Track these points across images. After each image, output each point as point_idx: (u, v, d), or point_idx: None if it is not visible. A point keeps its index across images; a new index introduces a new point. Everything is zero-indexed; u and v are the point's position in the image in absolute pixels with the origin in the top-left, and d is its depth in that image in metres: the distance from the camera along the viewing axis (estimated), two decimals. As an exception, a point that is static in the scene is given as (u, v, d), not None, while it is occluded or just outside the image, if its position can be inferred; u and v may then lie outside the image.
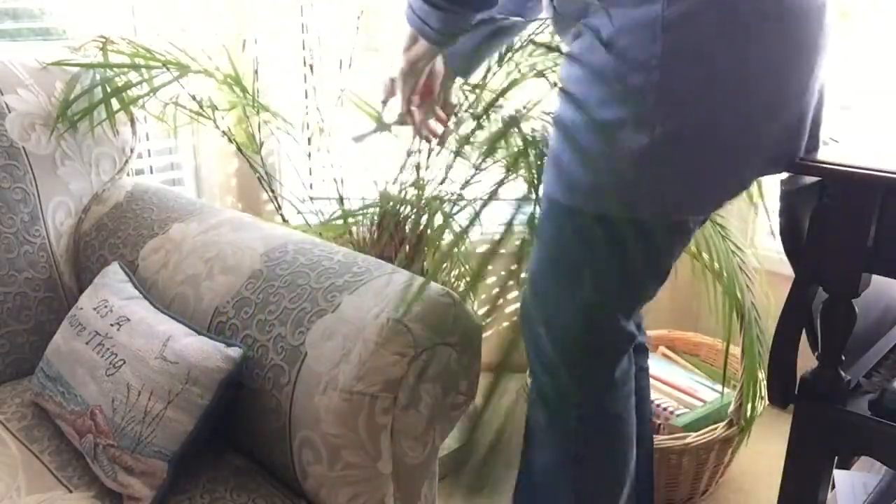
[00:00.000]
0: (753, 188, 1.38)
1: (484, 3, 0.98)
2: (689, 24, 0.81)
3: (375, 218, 1.56)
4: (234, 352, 0.92)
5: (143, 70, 1.37)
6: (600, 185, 0.86)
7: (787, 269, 1.00)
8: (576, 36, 0.90)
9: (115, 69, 1.34)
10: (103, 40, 1.38)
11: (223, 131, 1.62)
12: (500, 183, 0.79)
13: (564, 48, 0.92)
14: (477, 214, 0.76)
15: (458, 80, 1.22)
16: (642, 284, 0.94)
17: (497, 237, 0.76)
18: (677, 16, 0.80)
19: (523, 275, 0.93)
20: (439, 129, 1.20)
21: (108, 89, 1.31)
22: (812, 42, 0.85)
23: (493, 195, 0.80)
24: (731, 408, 1.53)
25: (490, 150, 0.79)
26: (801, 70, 0.85)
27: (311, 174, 1.96)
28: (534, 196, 1.36)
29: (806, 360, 0.99)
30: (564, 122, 0.87)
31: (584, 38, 0.86)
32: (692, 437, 1.47)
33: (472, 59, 1.17)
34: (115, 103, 1.33)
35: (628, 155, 0.84)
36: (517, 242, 0.83)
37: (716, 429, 1.49)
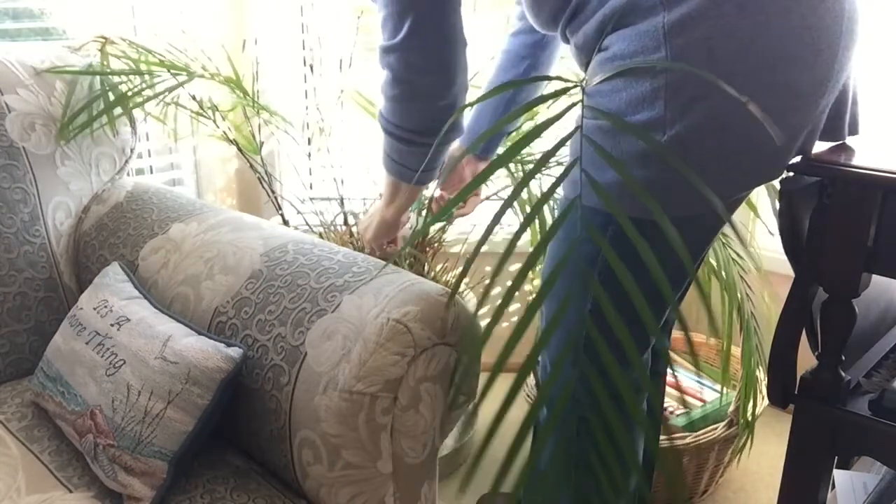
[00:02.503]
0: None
1: (452, 131, 1.05)
2: (691, 26, 0.81)
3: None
4: (234, 352, 0.92)
5: (146, 74, 1.37)
6: (619, 186, 0.86)
7: (787, 269, 1.00)
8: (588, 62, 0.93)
9: (119, 75, 1.34)
10: (103, 40, 1.38)
11: (223, 131, 1.62)
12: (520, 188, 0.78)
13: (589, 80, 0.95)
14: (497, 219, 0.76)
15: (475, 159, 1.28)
16: (650, 284, 0.94)
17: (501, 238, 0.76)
18: (677, 20, 0.81)
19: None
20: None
21: (112, 96, 1.31)
22: (830, 30, 0.84)
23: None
24: (731, 408, 1.53)
25: (515, 194, 0.79)
26: (817, 61, 0.85)
27: (311, 174, 1.96)
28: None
29: (806, 360, 0.99)
30: (588, 129, 0.89)
31: (601, 55, 0.89)
32: (692, 437, 1.47)
33: (492, 138, 1.24)
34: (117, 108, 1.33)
35: (645, 157, 0.85)
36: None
37: (716, 429, 1.49)
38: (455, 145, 1.26)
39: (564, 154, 1.29)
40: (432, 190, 1.34)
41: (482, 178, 0.80)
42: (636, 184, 0.75)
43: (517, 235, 0.75)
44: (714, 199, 0.74)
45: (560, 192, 1.01)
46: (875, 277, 0.97)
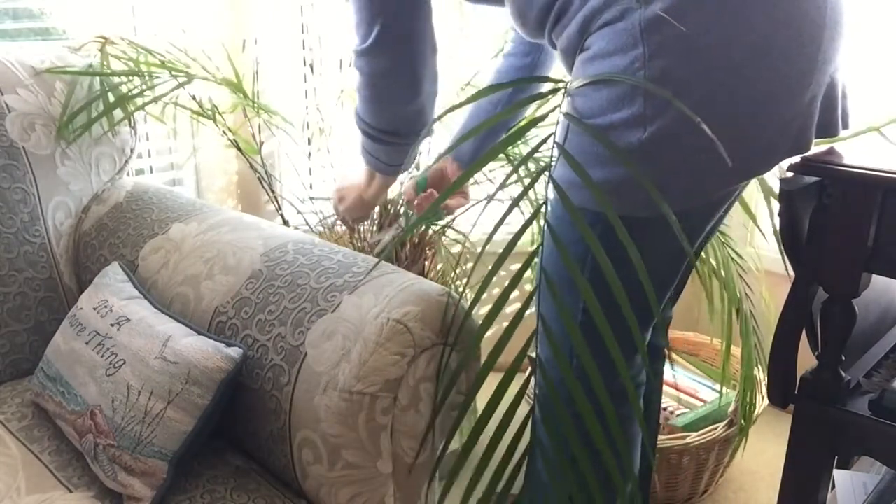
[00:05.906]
0: (751, 188, 1.38)
1: (414, 130, 1.08)
2: (668, 23, 0.81)
3: (375, 218, 1.56)
4: (234, 352, 0.92)
5: (146, 76, 1.36)
6: (602, 184, 0.86)
7: (788, 269, 1.00)
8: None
9: (119, 76, 1.34)
10: (103, 40, 1.38)
11: (223, 131, 1.62)
12: (502, 185, 0.79)
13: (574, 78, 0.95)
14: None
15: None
16: (638, 284, 0.94)
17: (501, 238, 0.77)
18: (654, 16, 0.81)
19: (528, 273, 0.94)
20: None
21: (112, 97, 1.31)
22: (814, 23, 0.84)
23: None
24: (731, 408, 1.53)
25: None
26: (801, 53, 0.84)
27: (311, 174, 1.96)
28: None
29: (806, 360, 0.99)
30: (571, 129, 0.89)
31: (582, 55, 0.89)
32: (692, 437, 1.47)
33: (478, 147, 1.30)
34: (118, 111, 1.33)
35: (627, 154, 0.85)
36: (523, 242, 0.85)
37: (716, 429, 1.49)
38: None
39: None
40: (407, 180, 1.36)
41: (464, 178, 0.83)
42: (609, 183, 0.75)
43: (515, 238, 0.76)
44: (661, 201, 0.75)
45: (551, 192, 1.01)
46: (875, 277, 0.97)
